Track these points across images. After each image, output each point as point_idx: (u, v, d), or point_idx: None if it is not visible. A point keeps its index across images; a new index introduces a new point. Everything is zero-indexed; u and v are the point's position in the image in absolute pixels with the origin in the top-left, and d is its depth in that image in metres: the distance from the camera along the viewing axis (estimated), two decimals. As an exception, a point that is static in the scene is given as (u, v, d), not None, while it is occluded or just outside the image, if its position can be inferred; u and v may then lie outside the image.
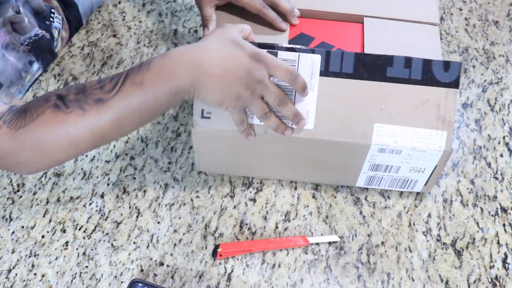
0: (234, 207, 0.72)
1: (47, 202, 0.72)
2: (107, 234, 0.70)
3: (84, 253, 0.68)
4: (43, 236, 0.69)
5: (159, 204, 0.72)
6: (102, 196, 0.73)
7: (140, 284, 0.61)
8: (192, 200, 0.72)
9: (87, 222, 0.71)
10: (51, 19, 0.85)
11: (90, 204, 0.72)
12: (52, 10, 0.86)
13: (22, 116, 0.53)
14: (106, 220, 0.71)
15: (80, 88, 0.54)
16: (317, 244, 0.69)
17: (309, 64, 0.62)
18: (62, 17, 0.88)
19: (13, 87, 0.78)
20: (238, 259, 0.68)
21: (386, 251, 0.69)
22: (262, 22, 0.72)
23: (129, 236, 0.69)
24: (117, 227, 0.70)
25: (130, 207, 0.72)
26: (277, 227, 0.70)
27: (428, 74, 0.62)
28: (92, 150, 0.59)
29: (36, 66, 0.82)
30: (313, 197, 0.73)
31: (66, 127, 0.53)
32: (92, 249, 0.68)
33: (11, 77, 0.77)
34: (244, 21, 0.72)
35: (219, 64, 0.55)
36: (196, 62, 0.54)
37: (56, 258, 0.68)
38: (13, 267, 0.67)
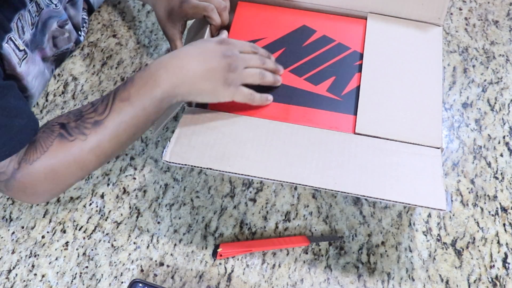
0: (234, 207, 0.72)
1: (47, 202, 0.72)
2: (107, 234, 0.70)
3: (84, 253, 0.68)
4: (43, 237, 0.69)
5: (159, 204, 0.72)
6: (102, 196, 0.73)
7: (140, 284, 0.61)
8: (192, 200, 0.72)
9: (87, 222, 0.71)
10: (82, 30, 0.86)
11: (90, 204, 0.72)
12: (84, 24, 0.86)
13: (33, 150, 0.57)
14: (106, 220, 0.71)
15: (77, 114, 0.59)
16: (317, 244, 0.69)
17: None
18: (87, 27, 0.88)
19: (39, 96, 0.80)
20: (238, 259, 0.68)
21: (386, 251, 0.69)
22: None
23: (129, 236, 0.69)
24: (117, 227, 0.70)
25: (130, 207, 0.72)
26: (277, 227, 0.70)
27: None
28: (99, 168, 0.64)
29: (50, 69, 0.83)
30: (313, 197, 0.73)
31: (73, 154, 0.57)
32: (92, 249, 0.68)
33: (41, 89, 0.79)
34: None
35: (196, 60, 0.59)
36: (174, 65, 0.59)
37: (56, 259, 0.68)
38: (13, 268, 0.67)
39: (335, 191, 0.58)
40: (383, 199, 0.57)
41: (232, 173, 0.58)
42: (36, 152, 0.57)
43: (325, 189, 0.58)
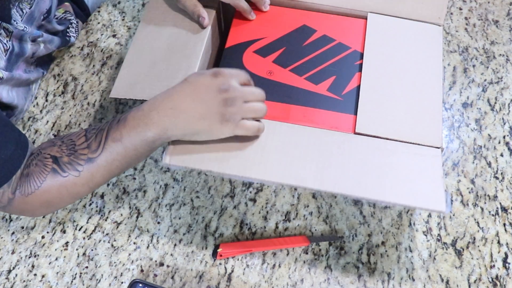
0: (234, 207, 0.72)
1: (47, 202, 0.72)
2: (107, 234, 0.69)
3: (84, 254, 0.68)
4: (43, 237, 0.69)
5: (159, 204, 0.72)
6: (102, 196, 0.73)
7: (140, 285, 0.61)
8: (192, 200, 0.72)
9: (87, 222, 0.71)
10: (70, 31, 0.85)
11: (90, 204, 0.72)
12: (69, 27, 0.86)
13: (27, 184, 0.59)
14: (106, 220, 0.71)
15: (70, 147, 0.59)
16: (318, 244, 0.69)
17: None
18: (76, 29, 0.88)
19: (25, 102, 0.80)
20: (238, 259, 0.68)
21: (386, 251, 0.69)
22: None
23: (129, 236, 0.69)
24: (117, 227, 0.70)
25: (130, 207, 0.72)
26: (277, 227, 0.70)
27: None
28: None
29: (40, 72, 0.83)
30: (313, 197, 0.73)
31: (67, 187, 0.58)
32: (92, 250, 0.68)
33: (25, 95, 0.79)
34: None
35: (189, 99, 0.57)
36: (166, 106, 0.57)
37: (56, 259, 0.68)
38: (13, 268, 0.67)
39: (335, 193, 0.58)
40: (382, 201, 0.57)
41: (232, 175, 0.58)
42: (30, 187, 0.58)
43: (325, 191, 0.58)
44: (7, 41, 0.70)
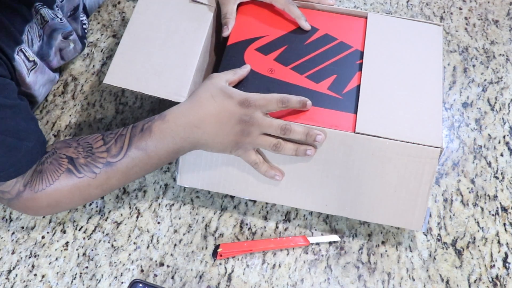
0: (234, 207, 0.72)
1: (47, 202, 0.72)
2: (107, 234, 0.69)
3: (84, 254, 0.68)
4: (43, 237, 0.69)
5: (159, 204, 0.72)
6: (102, 196, 0.73)
7: (141, 285, 0.61)
8: (192, 200, 0.72)
9: (87, 222, 0.71)
10: (85, 37, 0.86)
11: (90, 204, 0.72)
12: (85, 31, 0.86)
13: (39, 179, 0.59)
14: (106, 220, 0.71)
15: (87, 149, 0.60)
16: (318, 244, 0.69)
17: None
18: (86, 31, 0.88)
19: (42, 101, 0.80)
20: (238, 259, 0.68)
21: (386, 251, 0.69)
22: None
23: (129, 236, 0.69)
24: (117, 227, 0.70)
25: (130, 207, 0.72)
26: (277, 227, 0.70)
27: None
28: None
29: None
30: (313, 197, 0.73)
31: (79, 189, 0.60)
32: (92, 250, 0.68)
33: (46, 94, 0.79)
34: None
35: (213, 120, 0.60)
36: (193, 124, 0.60)
37: (56, 259, 0.68)
38: (13, 268, 0.67)
39: (325, 213, 0.64)
40: (365, 221, 0.66)
41: (237, 196, 0.65)
42: (42, 183, 0.59)
43: (318, 211, 0.63)
44: (40, 28, 0.70)
